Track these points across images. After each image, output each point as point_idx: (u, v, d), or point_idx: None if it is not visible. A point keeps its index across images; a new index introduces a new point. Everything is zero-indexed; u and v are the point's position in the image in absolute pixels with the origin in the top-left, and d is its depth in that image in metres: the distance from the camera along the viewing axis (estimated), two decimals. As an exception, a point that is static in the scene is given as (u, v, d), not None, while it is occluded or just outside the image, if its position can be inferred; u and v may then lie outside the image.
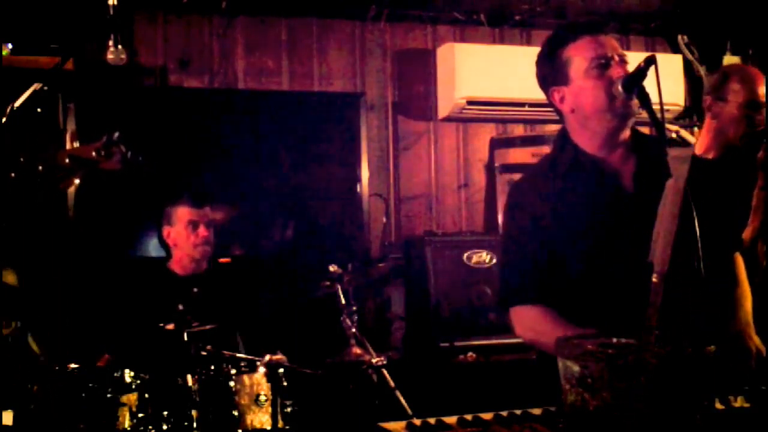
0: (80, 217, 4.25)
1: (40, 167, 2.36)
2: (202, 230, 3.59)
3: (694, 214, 1.81)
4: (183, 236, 3.61)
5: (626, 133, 2.22)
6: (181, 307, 3.06)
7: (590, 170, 2.19)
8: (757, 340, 2.22)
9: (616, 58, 2.14)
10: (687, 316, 1.95)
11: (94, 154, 2.41)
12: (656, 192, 2.09)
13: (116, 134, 2.43)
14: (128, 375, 2.80)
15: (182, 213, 3.61)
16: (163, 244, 3.73)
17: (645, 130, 4.98)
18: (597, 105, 2.15)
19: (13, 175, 2.32)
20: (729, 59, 5.19)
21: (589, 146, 2.21)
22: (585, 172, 2.19)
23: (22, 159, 2.33)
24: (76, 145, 3.98)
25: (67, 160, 2.39)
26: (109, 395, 2.72)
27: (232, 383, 2.91)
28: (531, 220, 2.18)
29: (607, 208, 2.16)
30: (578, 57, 2.15)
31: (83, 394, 2.70)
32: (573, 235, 2.15)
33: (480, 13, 4.94)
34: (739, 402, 1.81)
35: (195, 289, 3.34)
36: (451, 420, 1.70)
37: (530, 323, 2.18)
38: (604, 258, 2.13)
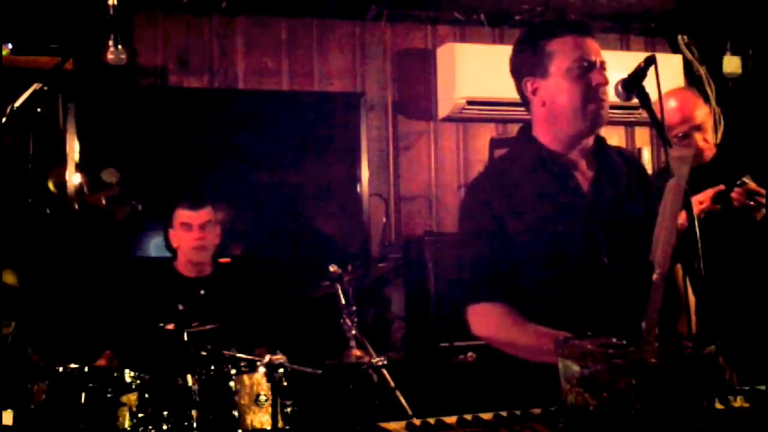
0: (80, 216, 4.25)
1: (48, 210, 2.36)
2: (195, 233, 3.61)
3: (694, 214, 1.81)
4: (180, 238, 3.65)
5: (590, 140, 2.23)
6: (181, 307, 3.07)
7: (550, 167, 2.20)
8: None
9: (598, 64, 2.14)
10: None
11: (104, 202, 2.40)
12: (612, 199, 2.17)
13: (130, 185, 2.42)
14: (128, 375, 2.80)
15: (178, 215, 3.66)
16: (169, 246, 3.75)
17: (645, 130, 4.99)
18: (570, 106, 2.15)
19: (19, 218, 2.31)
20: (729, 59, 5.20)
21: (552, 144, 2.22)
22: (545, 168, 2.20)
23: (30, 200, 2.33)
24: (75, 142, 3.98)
25: (76, 206, 2.39)
26: (109, 395, 2.73)
27: (232, 383, 2.91)
28: (491, 217, 2.18)
29: (565, 207, 2.17)
30: (562, 54, 2.14)
31: (83, 394, 2.70)
32: (531, 232, 2.15)
33: (480, 13, 4.94)
34: (738, 402, 1.81)
35: (201, 291, 3.36)
36: (451, 420, 1.70)
37: (488, 321, 2.19)
38: (561, 257, 2.14)
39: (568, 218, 2.16)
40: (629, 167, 2.30)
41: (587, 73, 2.12)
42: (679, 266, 2.31)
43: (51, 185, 2.36)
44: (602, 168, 2.23)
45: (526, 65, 2.22)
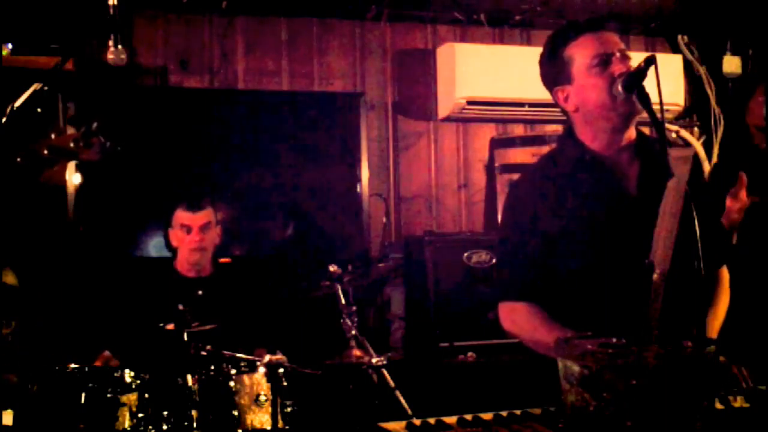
0: (80, 217, 4.25)
1: (18, 159, 2.36)
2: (194, 235, 3.62)
3: (694, 214, 1.81)
4: (180, 240, 3.66)
5: (631, 134, 2.21)
6: (181, 307, 3.07)
7: (594, 168, 2.18)
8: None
9: (618, 54, 2.14)
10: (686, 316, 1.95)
11: (72, 144, 2.41)
12: (659, 196, 2.10)
13: (94, 124, 2.43)
14: (128, 375, 2.80)
15: (178, 216, 3.67)
16: (169, 246, 3.76)
17: (645, 130, 5.01)
18: (600, 102, 2.14)
19: None
20: (729, 59, 5.20)
21: (594, 145, 2.21)
22: (589, 170, 2.19)
23: None
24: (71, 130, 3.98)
25: (45, 151, 2.40)
26: (109, 395, 2.73)
27: (232, 383, 2.91)
28: (530, 217, 2.18)
29: (609, 207, 2.15)
30: (580, 55, 2.15)
31: (83, 394, 2.70)
32: (573, 234, 2.14)
33: (480, 13, 4.94)
34: (739, 402, 1.81)
35: (200, 292, 3.36)
36: (451, 420, 1.70)
37: (517, 319, 2.20)
38: (604, 258, 2.12)
39: (612, 218, 2.14)
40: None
41: (608, 66, 2.12)
42: (725, 268, 2.31)
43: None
44: (647, 163, 2.20)
45: (552, 75, 2.23)
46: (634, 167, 2.20)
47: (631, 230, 2.11)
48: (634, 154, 2.21)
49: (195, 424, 2.82)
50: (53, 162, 2.49)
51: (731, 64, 5.19)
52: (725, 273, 2.32)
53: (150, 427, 2.78)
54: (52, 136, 2.40)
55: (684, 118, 5.20)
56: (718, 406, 1.77)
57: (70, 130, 3.93)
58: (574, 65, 2.16)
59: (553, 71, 2.22)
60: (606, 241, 2.13)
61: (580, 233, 2.14)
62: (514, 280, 2.20)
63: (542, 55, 2.27)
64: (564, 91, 2.20)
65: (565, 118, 2.29)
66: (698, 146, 5.17)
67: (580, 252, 2.14)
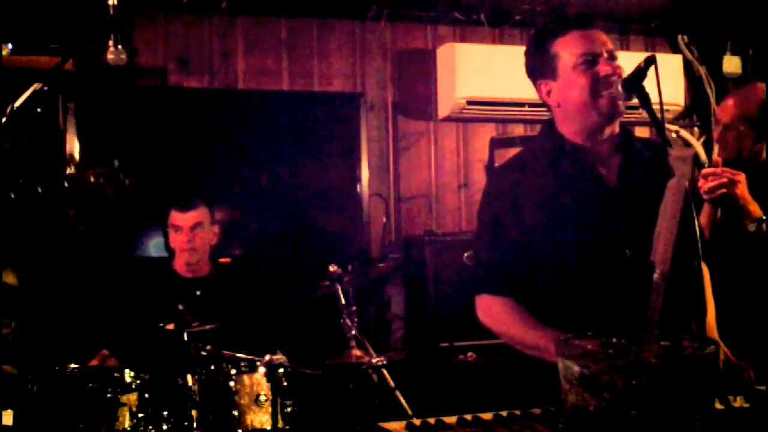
0: (80, 217, 4.25)
1: (39, 189, 2.37)
2: (183, 235, 3.61)
3: (694, 214, 1.81)
4: (173, 240, 3.66)
5: (614, 129, 2.22)
6: (181, 306, 3.07)
7: (574, 159, 2.18)
8: (723, 347, 2.22)
9: (605, 54, 2.13)
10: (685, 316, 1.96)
11: (92, 179, 2.42)
12: (638, 191, 2.13)
13: (116, 162, 2.45)
14: (128, 375, 2.80)
15: (171, 217, 3.66)
16: (168, 247, 3.76)
17: (645, 130, 5.02)
18: (582, 101, 2.14)
19: (12, 195, 2.34)
20: (729, 59, 5.20)
21: (575, 137, 2.21)
22: (568, 158, 2.19)
23: (21, 180, 2.35)
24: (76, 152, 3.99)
25: (66, 183, 2.41)
26: (109, 395, 2.72)
27: (232, 383, 2.91)
28: (509, 209, 2.18)
29: (588, 199, 2.15)
30: (566, 52, 2.15)
31: (83, 394, 2.70)
32: (551, 224, 2.14)
33: (480, 13, 4.94)
34: (738, 402, 1.82)
35: (198, 292, 3.36)
36: (451, 420, 1.70)
37: (494, 313, 2.20)
38: (582, 249, 2.12)
39: (590, 210, 2.14)
40: (657, 158, 2.20)
41: (593, 66, 2.12)
42: (704, 265, 2.30)
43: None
44: (628, 159, 2.20)
45: (538, 69, 2.23)
46: (615, 159, 2.21)
47: (609, 221, 2.12)
48: (615, 147, 2.22)
49: (195, 424, 2.82)
50: (73, 196, 2.49)
51: (731, 64, 5.19)
52: (705, 269, 2.32)
53: (150, 427, 2.78)
54: (68, 169, 2.40)
55: (684, 118, 5.20)
56: (718, 406, 1.77)
57: (76, 154, 3.93)
58: (560, 62, 2.16)
59: (539, 65, 2.22)
60: (584, 232, 2.12)
61: (558, 223, 2.14)
62: (492, 274, 2.19)
63: (528, 48, 2.27)
64: (547, 86, 2.21)
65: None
66: (698, 146, 5.16)
67: (558, 243, 2.13)
